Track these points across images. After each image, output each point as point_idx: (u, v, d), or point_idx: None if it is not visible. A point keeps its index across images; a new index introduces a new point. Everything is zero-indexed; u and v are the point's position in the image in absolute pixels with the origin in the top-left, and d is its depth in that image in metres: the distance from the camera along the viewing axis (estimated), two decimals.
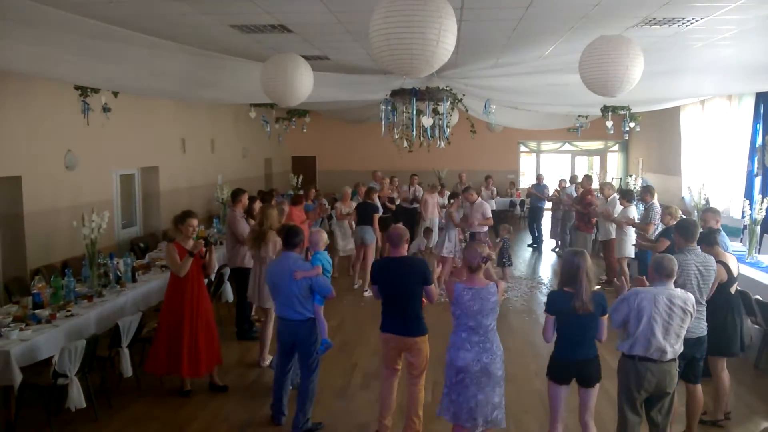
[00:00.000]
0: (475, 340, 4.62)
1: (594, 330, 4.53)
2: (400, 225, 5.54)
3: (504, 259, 10.35)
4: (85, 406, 5.46)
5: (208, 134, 14.64)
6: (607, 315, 4.56)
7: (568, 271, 4.53)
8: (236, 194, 8.23)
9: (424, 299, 5.23)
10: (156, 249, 10.10)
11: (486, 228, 10.43)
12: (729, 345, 5.67)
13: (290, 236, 5.63)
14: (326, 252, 6.32)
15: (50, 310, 6.12)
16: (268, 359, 7.13)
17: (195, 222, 6.27)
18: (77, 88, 7.76)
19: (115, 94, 8.33)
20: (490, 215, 10.46)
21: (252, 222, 8.15)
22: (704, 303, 5.24)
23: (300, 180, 17.47)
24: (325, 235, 6.38)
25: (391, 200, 12.99)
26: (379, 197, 11.87)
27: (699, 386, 5.32)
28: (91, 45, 6.20)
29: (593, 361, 4.57)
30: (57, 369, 5.31)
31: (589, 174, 15.10)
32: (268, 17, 6.35)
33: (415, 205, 14.48)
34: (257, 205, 8.31)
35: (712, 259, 5.40)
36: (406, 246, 5.32)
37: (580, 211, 11.82)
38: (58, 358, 5.31)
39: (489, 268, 4.80)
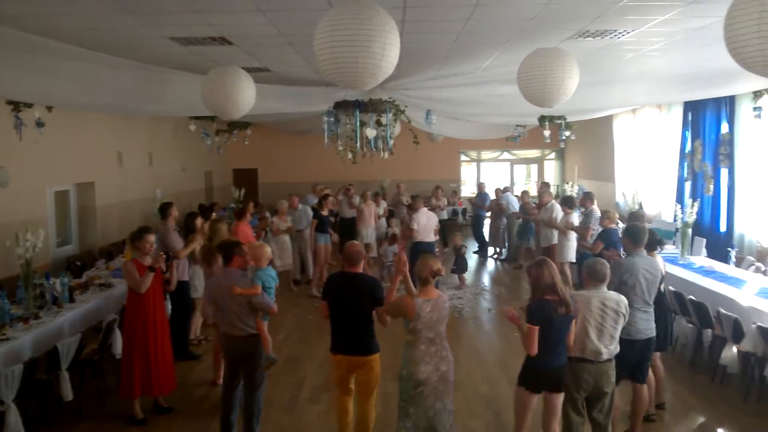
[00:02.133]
0: (432, 351, 4.64)
1: (567, 335, 4.57)
2: (357, 243, 5.51)
3: (461, 267, 11.50)
4: None
5: (146, 148, 14.31)
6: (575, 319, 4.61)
7: (542, 281, 4.56)
8: (165, 208, 8.05)
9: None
10: (93, 267, 9.80)
11: (435, 238, 10.52)
12: (666, 339, 5.90)
13: (229, 252, 5.59)
14: (270, 266, 6.23)
15: None
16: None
17: (152, 238, 6.21)
18: (9, 102, 7.50)
19: (49, 108, 8.08)
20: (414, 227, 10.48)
21: (200, 237, 8.00)
22: (652, 304, 5.41)
23: (242, 193, 17.25)
24: (268, 250, 6.25)
25: (331, 213, 12.91)
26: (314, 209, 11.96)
27: (645, 386, 5.50)
28: (26, 59, 6.01)
29: (565, 367, 4.63)
30: None
31: (546, 181, 15.55)
32: (208, 30, 6.30)
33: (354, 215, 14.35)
34: (199, 221, 8.15)
35: (657, 261, 5.64)
36: (362, 264, 5.25)
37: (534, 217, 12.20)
38: None
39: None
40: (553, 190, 17.07)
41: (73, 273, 9.18)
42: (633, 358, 5.23)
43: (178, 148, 16.17)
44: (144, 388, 6.07)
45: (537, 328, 4.47)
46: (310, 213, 11.68)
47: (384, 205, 14.59)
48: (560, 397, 4.68)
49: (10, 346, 5.73)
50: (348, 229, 13.75)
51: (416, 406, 4.65)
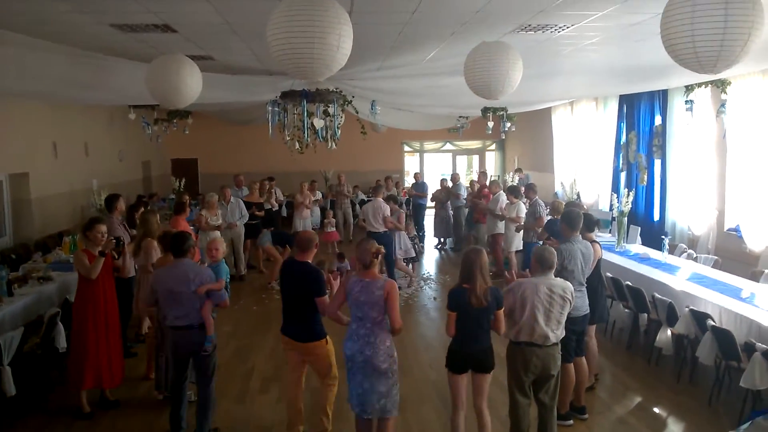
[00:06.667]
0: (361, 332, 4.74)
1: (488, 322, 4.76)
2: (310, 230, 5.57)
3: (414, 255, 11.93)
4: None
5: (82, 137, 13.86)
6: (502, 309, 4.78)
7: (464, 268, 4.77)
8: (111, 200, 7.86)
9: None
10: (30, 260, 9.48)
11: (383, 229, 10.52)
12: (602, 314, 6.38)
13: (177, 243, 5.49)
14: (224, 261, 6.18)
15: None
16: None
17: (103, 228, 6.08)
18: None
19: None
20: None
21: (133, 231, 7.86)
22: (585, 284, 5.80)
23: (182, 184, 16.89)
24: (224, 245, 6.25)
25: (260, 207, 12.55)
26: (246, 203, 11.81)
27: (584, 358, 5.95)
28: None
29: (487, 350, 4.82)
30: None
31: (484, 170, 15.80)
32: (151, 17, 6.17)
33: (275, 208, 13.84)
34: (139, 213, 7.99)
35: (589, 244, 5.99)
36: (313, 251, 5.30)
37: (479, 205, 12.38)
38: None
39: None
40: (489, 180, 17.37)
41: (9, 266, 8.86)
42: (576, 335, 5.66)
43: (114, 138, 15.71)
44: (95, 380, 5.97)
45: (454, 313, 4.74)
46: (243, 206, 11.54)
47: (319, 194, 14.56)
48: (485, 378, 4.86)
49: None
50: (269, 222, 13.02)
51: (350, 380, 4.84)
